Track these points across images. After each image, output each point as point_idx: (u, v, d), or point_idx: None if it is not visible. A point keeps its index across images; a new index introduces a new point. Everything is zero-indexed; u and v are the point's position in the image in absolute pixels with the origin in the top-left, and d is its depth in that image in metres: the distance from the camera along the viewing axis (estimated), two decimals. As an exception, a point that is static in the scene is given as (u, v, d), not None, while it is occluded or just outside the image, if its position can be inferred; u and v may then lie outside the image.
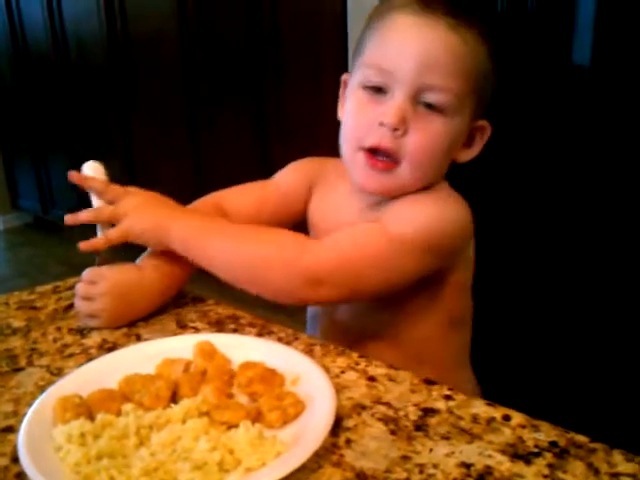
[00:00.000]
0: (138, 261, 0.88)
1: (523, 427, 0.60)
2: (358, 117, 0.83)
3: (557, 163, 1.60)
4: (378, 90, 0.80)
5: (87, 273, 0.86)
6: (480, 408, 0.63)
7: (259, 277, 0.80)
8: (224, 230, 0.84)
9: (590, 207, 1.58)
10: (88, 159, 0.89)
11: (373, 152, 0.81)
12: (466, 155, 0.86)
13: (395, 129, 0.78)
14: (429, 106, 0.79)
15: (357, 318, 0.90)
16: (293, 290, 0.79)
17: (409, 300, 0.85)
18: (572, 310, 1.67)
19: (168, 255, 0.86)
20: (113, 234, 0.85)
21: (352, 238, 0.82)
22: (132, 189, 0.88)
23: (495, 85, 0.85)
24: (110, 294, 0.83)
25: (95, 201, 0.87)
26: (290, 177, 0.99)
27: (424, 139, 0.79)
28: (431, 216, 0.81)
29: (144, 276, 0.85)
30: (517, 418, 0.61)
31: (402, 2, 0.80)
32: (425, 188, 0.84)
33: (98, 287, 0.83)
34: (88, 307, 0.84)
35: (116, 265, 0.86)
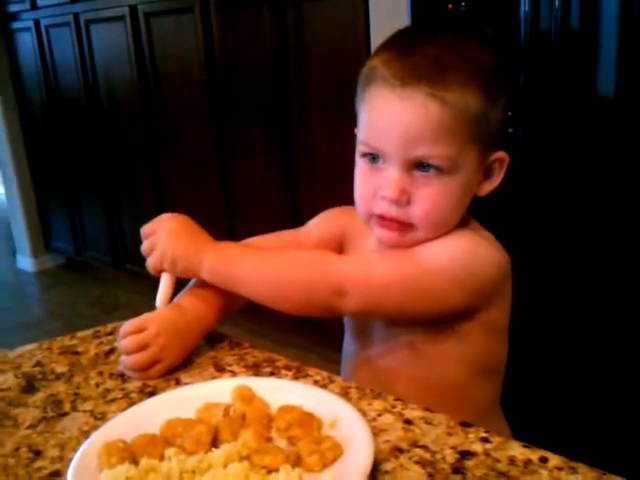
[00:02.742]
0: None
1: (560, 469, 0.60)
2: (362, 187, 0.85)
3: (585, 194, 1.60)
4: (375, 158, 0.81)
5: (128, 325, 0.84)
6: (517, 450, 0.63)
7: (285, 292, 0.84)
8: (249, 255, 0.87)
9: (618, 240, 1.57)
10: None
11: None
12: (487, 187, 0.85)
13: (397, 201, 0.79)
14: (426, 168, 0.79)
15: (388, 359, 0.90)
16: (318, 299, 0.82)
17: (440, 342, 0.86)
18: (603, 348, 1.65)
19: (200, 292, 0.90)
20: (151, 261, 0.89)
21: (382, 257, 0.84)
22: (164, 215, 0.91)
23: (502, 113, 0.82)
24: (165, 332, 0.83)
25: (164, 279, 0.90)
26: (322, 226, 1.00)
27: (429, 204, 0.79)
28: (466, 252, 0.82)
29: (186, 309, 0.87)
30: (554, 460, 0.61)
31: (383, 76, 0.79)
32: (459, 224, 0.84)
33: (151, 330, 0.82)
34: (149, 354, 0.82)
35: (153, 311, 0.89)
